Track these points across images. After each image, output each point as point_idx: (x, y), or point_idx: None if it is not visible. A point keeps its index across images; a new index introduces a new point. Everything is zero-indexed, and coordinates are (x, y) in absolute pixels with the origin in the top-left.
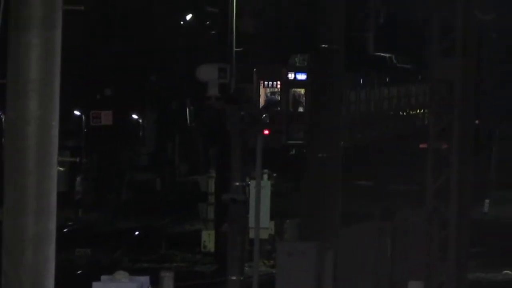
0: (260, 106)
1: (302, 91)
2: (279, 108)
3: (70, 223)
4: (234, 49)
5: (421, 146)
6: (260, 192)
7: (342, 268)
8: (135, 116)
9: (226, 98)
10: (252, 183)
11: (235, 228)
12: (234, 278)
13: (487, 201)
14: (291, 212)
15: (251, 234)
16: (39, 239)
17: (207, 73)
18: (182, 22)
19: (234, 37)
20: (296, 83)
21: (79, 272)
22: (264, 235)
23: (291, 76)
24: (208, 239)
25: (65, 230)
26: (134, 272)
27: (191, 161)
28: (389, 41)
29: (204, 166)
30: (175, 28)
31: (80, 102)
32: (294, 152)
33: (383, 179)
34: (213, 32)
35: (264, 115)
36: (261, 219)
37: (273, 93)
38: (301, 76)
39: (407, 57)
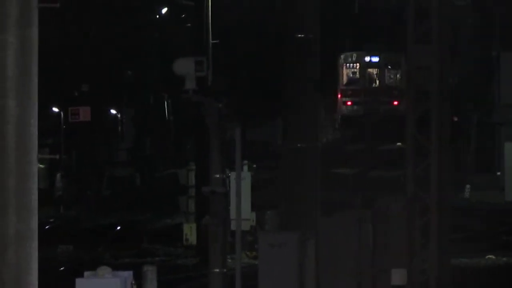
0: (344, 83)
1: (376, 70)
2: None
3: (51, 220)
4: (211, 41)
5: None
6: (241, 184)
7: (324, 257)
8: (113, 112)
9: (204, 91)
10: (232, 175)
11: (216, 220)
12: (217, 270)
13: (468, 186)
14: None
15: (233, 226)
16: (21, 237)
17: (184, 66)
18: (157, 16)
19: (210, 30)
20: (371, 64)
21: (62, 268)
22: (245, 226)
23: (367, 59)
24: (190, 232)
25: (47, 227)
26: (116, 267)
27: (170, 154)
28: (364, 29)
29: (183, 159)
30: (151, 22)
31: (58, 99)
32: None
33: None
34: (188, 25)
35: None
36: (242, 210)
37: (353, 73)
38: (375, 59)
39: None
